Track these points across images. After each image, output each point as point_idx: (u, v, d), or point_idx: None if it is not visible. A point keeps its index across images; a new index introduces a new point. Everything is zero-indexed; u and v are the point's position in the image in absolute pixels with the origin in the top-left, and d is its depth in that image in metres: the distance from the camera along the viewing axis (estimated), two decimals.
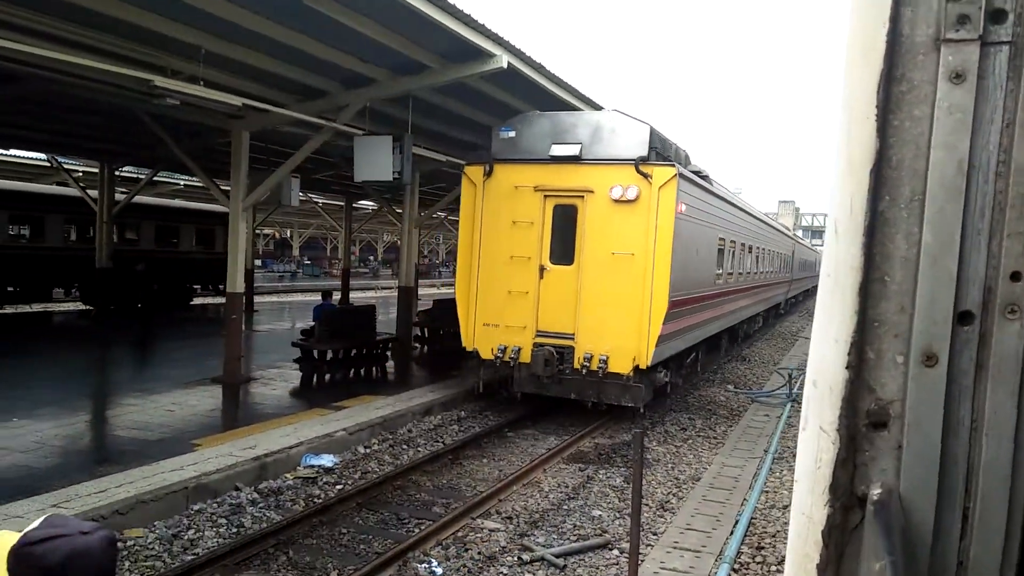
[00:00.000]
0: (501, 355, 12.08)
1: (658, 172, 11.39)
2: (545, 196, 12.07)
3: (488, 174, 12.36)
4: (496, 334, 12.23)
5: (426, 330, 19.50)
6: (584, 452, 10.83)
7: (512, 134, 12.33)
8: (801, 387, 16.30)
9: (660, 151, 11.93)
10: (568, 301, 11.91)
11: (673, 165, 11.50)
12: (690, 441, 11.72)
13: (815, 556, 1.03)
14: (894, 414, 1.02)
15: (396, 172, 12.81)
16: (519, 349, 12.03)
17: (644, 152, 11.52)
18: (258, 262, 53.42)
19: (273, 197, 13.80)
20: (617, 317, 11.57)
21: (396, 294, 19.16)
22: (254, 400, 11.88)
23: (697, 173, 13.47)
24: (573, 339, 11.82)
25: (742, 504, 8.50)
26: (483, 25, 10.62)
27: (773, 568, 6.87)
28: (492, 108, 14.61)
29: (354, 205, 30.61)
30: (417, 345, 18.93)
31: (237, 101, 10.48)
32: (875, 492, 1.00)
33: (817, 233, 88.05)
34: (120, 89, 11.28)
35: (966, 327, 0.99)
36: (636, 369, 11.51)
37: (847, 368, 1.04)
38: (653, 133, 11.71)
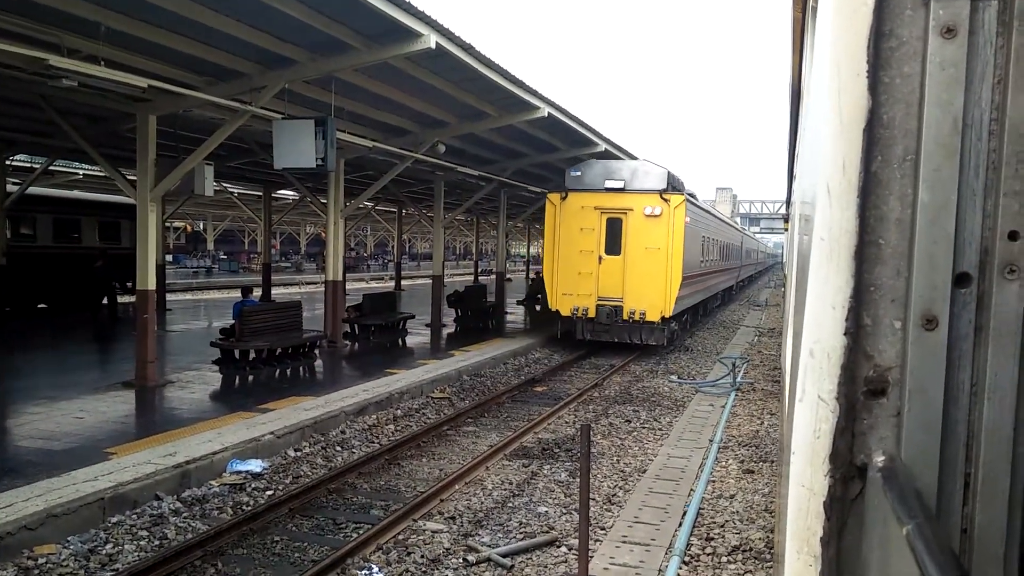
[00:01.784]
0: (575, 312, 19.67)
1: (674, 198, 19.12)
2: (601, 212, 19.60)
3: (563, 199, 19.83)
4: (570, 300, 19.82)
5: (356, 326, 19.31)
6: (527, 448, 10.88)
7: (579, 173, 19.89)
8: (743, 376, 16.70)
9: (674, 184, 19.82)
10: (617, 277, 19.48)
11: (683, 193, 19.38)
12: (635, 433, 11.89)
13: (818, 529, 1.03)
14: (892, 381, 1.03)
15: (319, 158, 12.64)
16: (587, 308, 19.65)
17: (664, 185, 19.32)
18: (169, 257, 51.88)
19: (185, 187, 13.38)
20: (650, 286, 19.15)
21: (322, 289, 18.94)
22: (171, 405, 11.58)
23: (691, 195, 21.80)
24: (622, 301, 19.45)
25: (689, 495, 8.65)
26: (410, 3, 10.50)
27: (724, 559, 7.02)
28: (422, 91, 14.52)
29: (273, 195, 30.02)
30: (348, 342, 18.73)
31: (142, 83, 10.12)
32: (878, 460, 1.01)
33: (755, 220, 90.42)
34: (10, 69, 10.72)
35: (964, 289, 1.00)
36: (662, 318, 19.19)
37: (845, 335, 1.06)
38: (670, 174, 19.64)
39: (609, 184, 19.57)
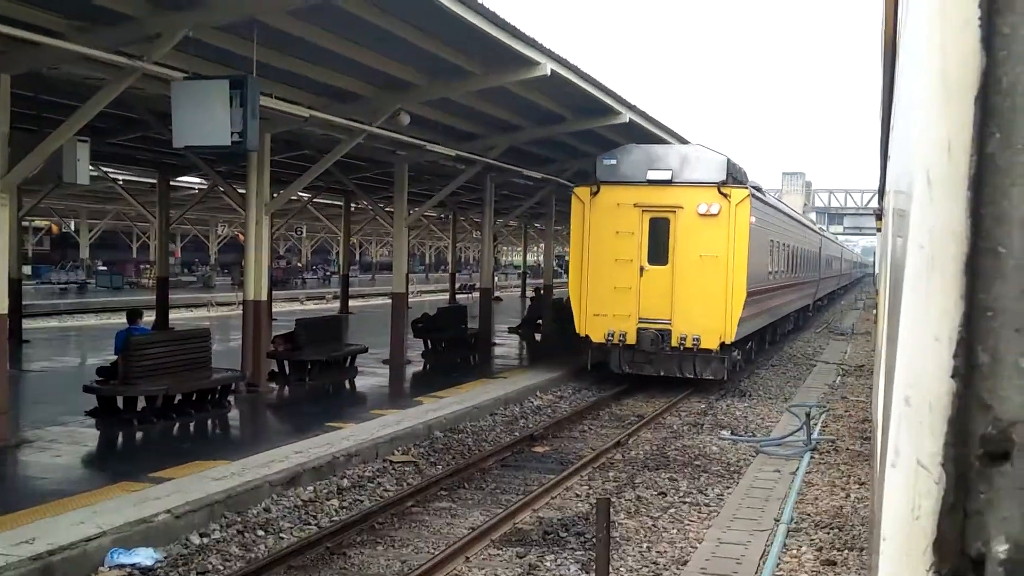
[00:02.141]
0: (611, 338, 20.66)
1: (735, 192, 20.27)
2: (643, 211, 20.77)
3: (594, 193, 21.01)
4: (603, 322, 20.88)
5: (287, 363, 19.31)
6: (524, 531, 10.86)
7: (614, 162, 21.04)
8: (821, 431, 16.72)
9: (735, 175, 20.87)
10: (664, 294, 20.57)
11: (747, 187, 20.73)
12: (672, 510, 11.88)
13: None
14: (1019, 440, 1.03)
15: (236, 133, 12.66)
16: (624, 333, 20.65)
17: (723, 176, 20.38)
18: (28, 270, 51.82)
19: (50, 172, 13.37)
20: (706, 305, 20.19)
21: (240, 313, 19.03)
22: (29, 472, 11.48)
23: (756, 188, 22.99)
24: (670, 323, 20.52)
25: None
26: None
27: None
28: (379, 42, 14.57)
29: (172, 183, 29.92)
30: (275, 385, 18.72)
31: None
32: (999, 549, 1.00)
33: (835, 217, 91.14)
34: None
35: None
36: (722, 345, 20.34)
37: (953, 377, 1.05)
38: (730, 162, 20.72)
39: (653, 175, 20.64)
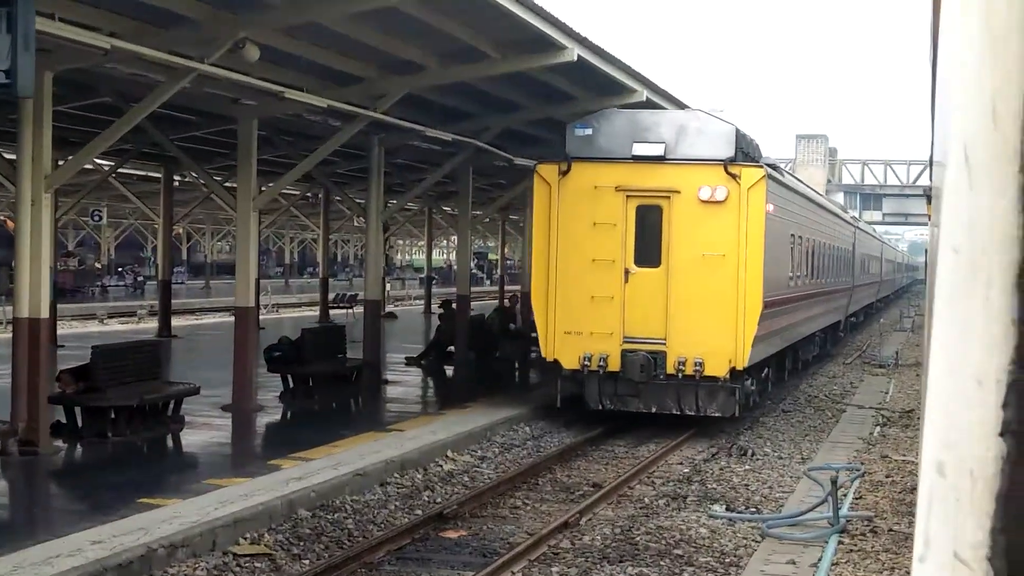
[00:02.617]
0: (586, 364, 21.74)
1: (747, 173, 21.45)
2: (628, 196, 22.03)
3: (564, 173, 22.12)
4: (579, 342, 22.01)
5: (78, 411, 19.11)
6: None
7: (589, 132, 22.08)
8: (852, 504, 16.86)
9: (746, 150, 22.13)
10: (657, 304, 21.86)
11: (761, 166, 22.05)
12: None
13: None
14: None
15: (1, 72, 12.59)
16: (606, 357, 21.78)
17: (731, 152, 21.52)
18: None
19: None
20: (711, 319, 21.53)
21: (9, 336, 18.99)
22: None
23: (772, 166, 24.15)
24: (665, 344, 21.80)
25: None
26: None
27: None
28: None
29: None
30: (61, 443, 18.54)
31: None
32: None
33: (870, 199, 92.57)
34: None
35: None
36: (731, 371, 21.56)
37: (1002, 436, 1.06)
38: (739, 134, 21.84)
39: (641, 150, 21.85)
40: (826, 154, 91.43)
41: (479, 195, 40.82)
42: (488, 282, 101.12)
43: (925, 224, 37.72)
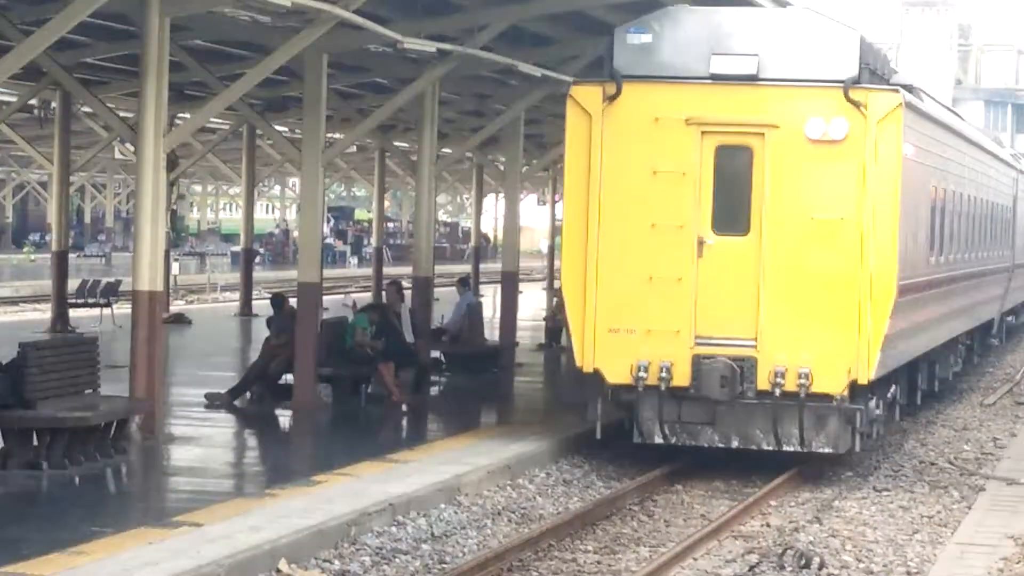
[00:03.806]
0: (640, 375, 17.84)
1: (876, 99, 17.89)
2: (703, 133, 18.31)
3: (611, 99, 18.25)
4: (631, 344, 18.29)
5: None
6: None
7: (648, 38, 18.30)
8: None
9: (873, 67, 18.79)
10: (744, 290, 18.42)
11: (896, 89, 18.77)
12: None
13: None
14: None
15: None
16: (668, 365, 17.84)
17: (854, 71, 17.95)
18: None
19: None
20: (822, 311, 18.12)
21: None
22: None
23: (908, 88, 20.16)
24: (755, 347, 18.19)
25: None
26: None
27: None
28: None
29: None
30: None
31: None
32: None
33: None
34: None
35: None
36: (852, 386, 18.00)
37: None
38: (864, 44, 18.62)
39: (721, 65, 18.03)
40: (954, 35, 76.54)
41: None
42: (356, 260, 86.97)
43: None
